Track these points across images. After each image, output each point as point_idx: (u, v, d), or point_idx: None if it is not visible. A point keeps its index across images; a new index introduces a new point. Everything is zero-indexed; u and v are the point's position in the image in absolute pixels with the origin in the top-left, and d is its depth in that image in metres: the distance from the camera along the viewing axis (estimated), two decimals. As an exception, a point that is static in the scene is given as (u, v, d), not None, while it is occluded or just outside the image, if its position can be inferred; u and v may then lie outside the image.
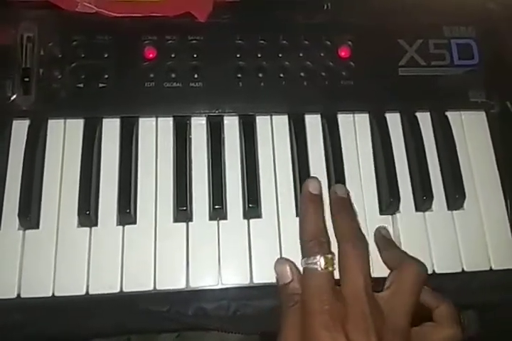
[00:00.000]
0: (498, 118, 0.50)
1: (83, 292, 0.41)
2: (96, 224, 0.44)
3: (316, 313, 0.35)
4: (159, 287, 0.42)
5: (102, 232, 0.43)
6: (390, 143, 0.48)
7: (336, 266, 0.38)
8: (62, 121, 0.47)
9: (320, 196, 0.42)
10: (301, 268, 0.40)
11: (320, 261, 0.37)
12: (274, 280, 0.42)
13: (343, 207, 0.42)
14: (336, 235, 0.40)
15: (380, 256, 0.43)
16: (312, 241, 0.39)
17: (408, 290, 0.38)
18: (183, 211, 0.44)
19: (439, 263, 0.44)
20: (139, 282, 0.42)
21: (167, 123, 0.48)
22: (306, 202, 0.42)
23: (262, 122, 0.49)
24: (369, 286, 0.37)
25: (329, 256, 0.38)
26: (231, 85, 0.48)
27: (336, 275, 0.38)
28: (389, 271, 0.41)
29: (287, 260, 0.41)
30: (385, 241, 0.44)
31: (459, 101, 0.50)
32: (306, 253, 0.39)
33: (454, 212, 0.47)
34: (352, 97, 0.49)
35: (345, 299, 0.36)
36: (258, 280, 0.43)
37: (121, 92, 0.47)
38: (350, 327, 0.35)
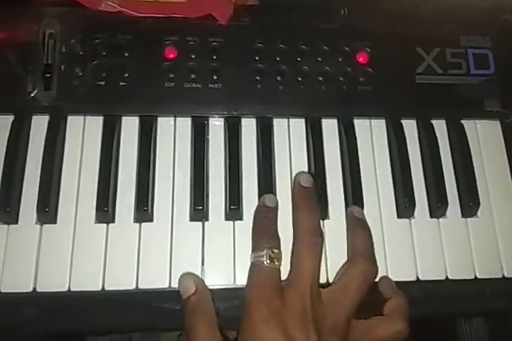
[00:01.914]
0: (513, 127, 0.51)
1: (99, 288, 0.41)
2: (113, 221, 0.44)
3: (254, 307, 0.36)
4: (174, 285, 0.42)
5: (119, 229, 0.44)
6: (406, 149, 0.48)
7: (282, 261, 0.39)
8: (81, 117, 0.47)
9: (273, 206, 0.43)
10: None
11: (266, 255, 0.38)
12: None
13: (305, 200, 0.43)
14: (293, 228, 0.41)
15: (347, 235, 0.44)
16: (260, 236, 0.40)
17: (353, 288, 0.38)
18: (199, 210, 0.44)
19: (452, 270, 0.45)
20: (154, 279, 0.42)
21: (185, 123, 0.48)
22: (258, 208, 0.44)
23: (279, 125, 0.49)
24: (315, 283, 0.38)
25: (276, 250, 0.38)
26: (249, 87, 0.49)
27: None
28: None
29: (192, 274, 0.42)
30: (354, 222, 0.44)
31: (474, 110, 0.51)
32: (254, 247, 0.40)
33: (468, 219, 0.47)
34: (369, 103, 0.50)
35: (287, 292, 0.37)
36: (272, 281, 0.43)
37: (141, 91, 0.48)
38: (290, 323, 0.35)
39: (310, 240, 0.39)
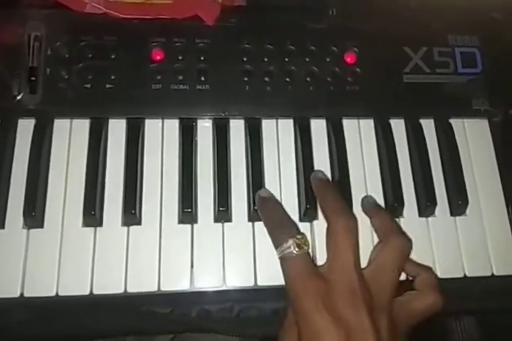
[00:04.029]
0: (501, 126, 0.51)
1: (87, 292, 0.41)
2: (101, 225, 0.43)
3: (300, 298, 0.35)
4: (163, 288, 0.42)
5: (107, 233, 0.43)
6: (395, 149, 0.48)
7: (309, 244, 0.38)
8: (68, 120, 0.47)
9: (270, 196, 0.44)
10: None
11: (292, 245, 0.37)
12: (278, 283, 0.42)
13: (326, 185, 0.43)
14: (323, 212, 0.41)
15: (371, 223, 0.43)
16: (278, 229, 0.39)
17: (391, 265, 0.38)
18: (188, 213, 0.44)
19: (441, 269, 0.45)
20: (143, 283, 0.42)
21: (173, 125, 0.48)
22: (260, 203, 0.43)
23: (267, 126, 0.49)
24: (358, 262, 0.37)
25: (299, 236, 0.38)
26: (237, 88, 0.49)
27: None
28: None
29: None
30: (375, 208, 0.44)
31: (462, 109, 0.51)
32: (275, 242, 0.39)
33: (457, 218, 0.47)
34: (357, 103, 0.50)
35: (331, 275, 0.36)
36: (262, 282, 0.43)
37: (128, 93, 0.47)
38: (341, 305, 0.34)
39: (344, 221, 0.38)
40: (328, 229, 0.39)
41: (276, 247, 0.39)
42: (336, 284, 0.36)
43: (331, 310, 0.34)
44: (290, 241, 0.37)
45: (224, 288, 0.43)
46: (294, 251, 0.37)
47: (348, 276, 0.36)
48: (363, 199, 0.45)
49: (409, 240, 0.40)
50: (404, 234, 0.41)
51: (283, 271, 0.38)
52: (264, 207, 0.43)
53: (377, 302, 0.36)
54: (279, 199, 0.46)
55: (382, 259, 0.39)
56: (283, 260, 0.38)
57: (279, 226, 0.40)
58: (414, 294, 0.39)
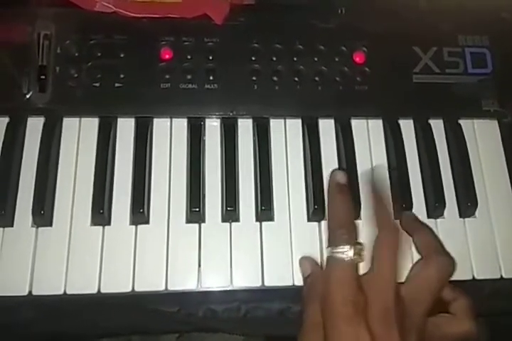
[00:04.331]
0: (510, 127, 0.50)
1: (95, 290, 0.41)
2: (109, 223, 0.44)
3: (339, 305, 0.34)
4: (171, 287, 0.42)
5: (115, 231, 0.43)
6: (403, 150, 0.48)
7: (365, 257, 0.37)
8: (77, 119, 0.47)
9: (347, 187, 0.41)
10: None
11: (348, 251, 0.36)
12: (285, 283, 0.42)
13: (383, 199, 0.42)
14: (376, 223, 0.39)
15: (412, 240, 0.42)
16: (341, 229, 0.38)
17: (430, 287, 0.37)
18: (195, 212, 0.44)
19: (449, 270, 0.44)
20: (150, 282, 0.42)
21: (181, 124, 0.48)
22: (333, 192, 0.41)
23: (275, 125, 0.49)
24: (397, 279, 0.36)
25: (359, 246, 0.36)
26: (246, 88, 0.49)
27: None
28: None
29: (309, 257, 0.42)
30: (416, 224, 0.43)
31: (471, 110, 0.51)
32: (333, 241, 0.37)
33: (466, 219, 0.47)
34: (366, 103, 0.50)
35: (369, 290, 0.35)
36: (269, 283, 0.43)
37: (137, 92, 0.47)
38: (373, 320, 0.34)
39: (388, 236, 0.37)
40: (375, 240, 0.38)
41: (330, 245, 0.37)
42: (373, 299, 0.35)
43: (363, 324, 0.34)
44: (348, 247, 0.36)
45: (231, 288, 0.43)
46: (347, 258, 0.36)
47: (386, 293, 0.35)
48: (403, 216, 0.44)
49: (453, 261, 0.39)
50: (447, 254, 0.39)
51: (329, 271, 0.36)
52: (335, 197, 0.40)
53: (409, 320, 0.35)
54: (286, 199, 0.46)
55: (421, 279, 0.38)
56: (332, 260, 0.37)
57: (343, 225, 0.38)
58: (451, 317, 0.39)
